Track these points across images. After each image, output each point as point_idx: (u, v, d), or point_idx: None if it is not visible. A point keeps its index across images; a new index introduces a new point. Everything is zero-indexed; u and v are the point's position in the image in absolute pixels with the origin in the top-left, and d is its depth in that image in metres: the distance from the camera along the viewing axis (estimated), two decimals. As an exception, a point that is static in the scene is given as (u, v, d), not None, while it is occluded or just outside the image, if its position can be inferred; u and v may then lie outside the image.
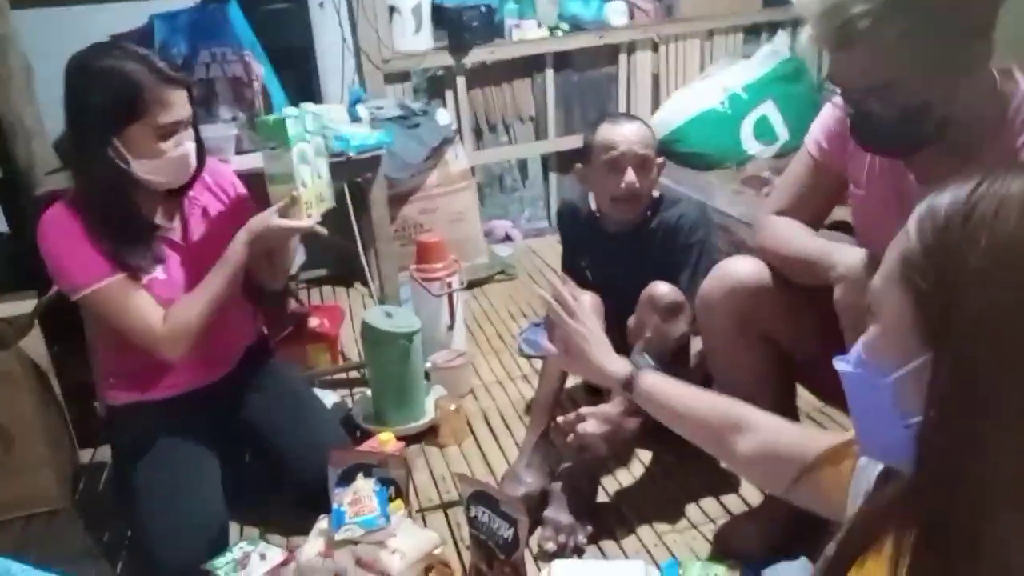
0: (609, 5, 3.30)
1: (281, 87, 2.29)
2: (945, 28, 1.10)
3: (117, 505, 1.75)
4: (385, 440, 1.77)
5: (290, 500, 1.77)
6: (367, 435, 1.90)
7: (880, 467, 0.79)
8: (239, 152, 2.11)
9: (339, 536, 1.40)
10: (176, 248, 1.63)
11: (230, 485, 1.68)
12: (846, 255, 1.32)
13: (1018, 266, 0.59)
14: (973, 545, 0.61)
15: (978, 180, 0.63)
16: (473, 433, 2.11)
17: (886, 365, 0.67)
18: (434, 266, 2.35)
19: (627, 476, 1.88)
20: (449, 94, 3.24)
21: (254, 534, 1.74)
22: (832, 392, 1.17)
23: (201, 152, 1.61)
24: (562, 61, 3.35)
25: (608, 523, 1.72)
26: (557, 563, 1.49)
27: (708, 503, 1.76)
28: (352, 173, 2.21)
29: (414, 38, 3.08)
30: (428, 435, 2.08)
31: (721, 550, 1.60)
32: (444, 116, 2.99)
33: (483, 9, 3.10)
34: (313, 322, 2.47)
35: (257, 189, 1.69)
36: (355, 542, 1.41)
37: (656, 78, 3.46)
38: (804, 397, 1.68)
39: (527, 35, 3.23)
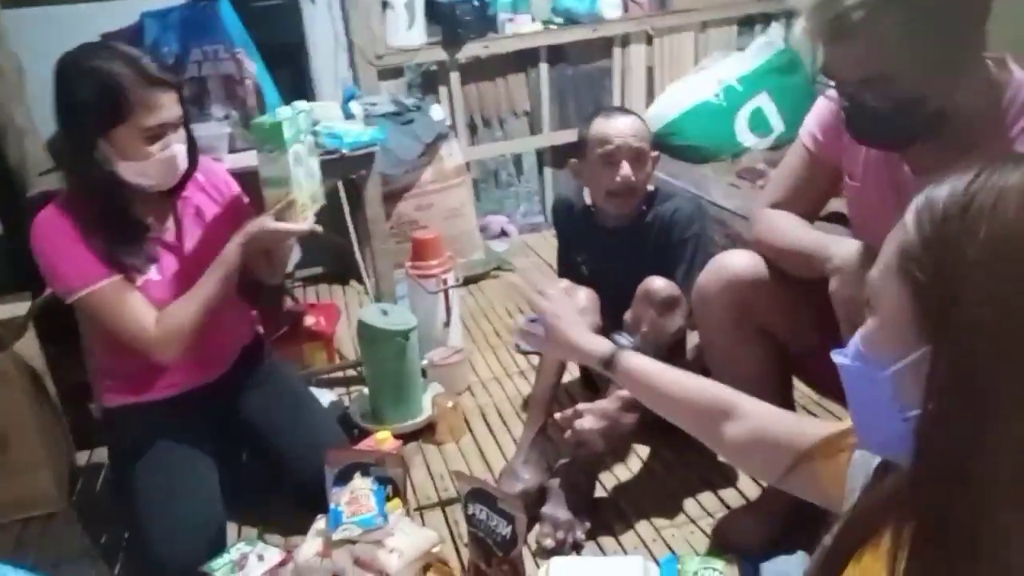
0: (603, -2, 3.28)
1: (274, 84, 2.28)
2: (939, 19, 1.09)
3: (115, 506, 1.75)
4: (382, 438, 1.76)
5: (288, 500, 1.76)
6: (364, 434, 1.90)
7: (878, 459, 0.79)
8: (232, 151, 2.10)
9: (337, 536, 1.40)
10: (170, 249, 1.62)
11: (228, 485, 1.67)
12: (842, 247, 1.31)
13: (1017, 258, 0.59)
14: (972, 542, 0.61)
15: (976, 171, 0.63)
16: (471, 430, 2.10)
17: (884, 358, 0.66)
18: (430, 263, 2.34)
19: (625, 471, 1.88)
20: (443, 89, 3.23)
21: (252, 534, 1.74)
22: (829, 384, 1.17)
23: (193, 152, 1.60)
24: (556, 55, 3.34)
25: (606, 519, 1.72)
26: (555, 560, 1.49)
27: (706, 498, 1.76)
28: (346, 170, 2.21)
29: (407, 33, 3.07)
30: (425, 433, 2.08)
31: (719, 544, 1.60)
32: (438, 112, 2.98)
33: (476, 3, 3.09)
34: (309, 320, 2.46)
35: (251, 187, 1.68)
36: (353, 542, 1.40)
37: (650, 71, 3.46)
38: (801, 389, 1.68)
39: (521, 29, 3.22)
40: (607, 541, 1.66)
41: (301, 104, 1.66)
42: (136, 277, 1.55)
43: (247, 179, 1.73)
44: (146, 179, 1.51)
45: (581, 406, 1.59)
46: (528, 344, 1.35)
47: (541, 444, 1.79)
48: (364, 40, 3.01)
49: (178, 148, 1.52)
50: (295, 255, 2.87)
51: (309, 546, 1.44)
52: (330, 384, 2.36)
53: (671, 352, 1.71)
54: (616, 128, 1.83)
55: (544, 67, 3.33)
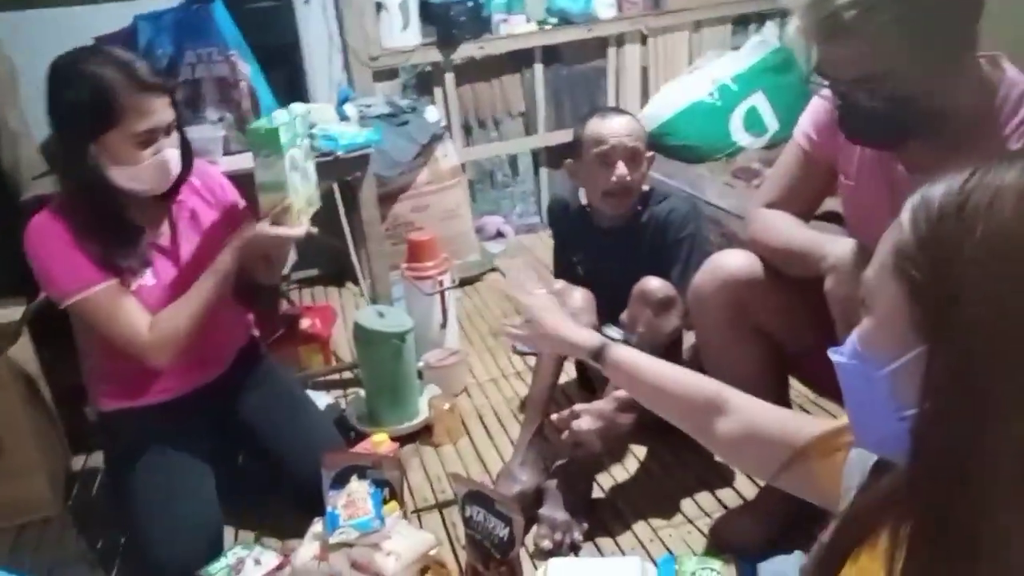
0: (597, -2, 3.28)
1: (268, 86, 2.27)
2: (931, 18, 1.09)
3: (111, 511, 1.74)
4: (379, 441, 1.76)
5: (285, 502, 1.76)
6: (361, 436, 1.89)
7: (874, 458, 0.79)
8: (227, 153, 2.09)
9: (333, 539, 1.40)
10: (165, 253, 1.61)
11: (224, 488, 1.67)
12: (837, 246, 1.32)
13: (1014, 256, 0.59)
14: (972, 542, 0.61)
15: (971, 170, 0.62)
16: (468, 432, 2.10)
17: (881, 357, 0.66)
18: (425, 264, 2.34)
19: (622, 472, 1.88)
20: (438, 90, 3.22)
21: (249, 538, 1.73)
22: (825, 383, 1.17)
23: (188, 156, 1.59)
24: (551, 55, 3.34)
25: (604, 519, 1.72)
26: (553, 561, 1.49)
27: (703, 498, 1.76)
28: (341, 172, 2.20)
29: (402, 34, 3.06)
30: (422, 435, 2.07)
31: (717, 544, 1.60)
32: (433, 113, 2.98)
33: (470, 4, 3.08)
34: (305, 323, 2.45)
35: (247, 189, 1.67)
36: (350, 545, 1.40)
37: (645, 71, 3.46)
38: (797, 389, 1.68)
39: (515, 30, 3.21)
40: (605, 542, 1.66)
41: (298, 107, 1.65)
42: (130, 281, 1.54)
43: (242, 181, 1.72)
44: (138, 184, 1.50)
45: (578, 407, 1.59)
46: (519, 343, 1.35)
47: (538, 445, 1.79)
48: (358, 41, 3.01)
49: (170, 153, 1.51)
50: (291, 257, 2.87)
51: (306, 549, 1.44)
52: (326, 387, 2.36)
53: (667, 352, 1.70)
54: (611, 128, 1.83)
55: (539, 67, 3.33)
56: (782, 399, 1.58)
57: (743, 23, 3.52)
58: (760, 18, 3.49)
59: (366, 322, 2.03)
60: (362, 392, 2.17)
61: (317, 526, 1.47)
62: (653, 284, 1.70)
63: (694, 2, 3.38)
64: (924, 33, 1.10)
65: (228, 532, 1.73)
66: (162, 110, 1.48)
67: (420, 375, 2.18)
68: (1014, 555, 0.60)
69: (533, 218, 3.56)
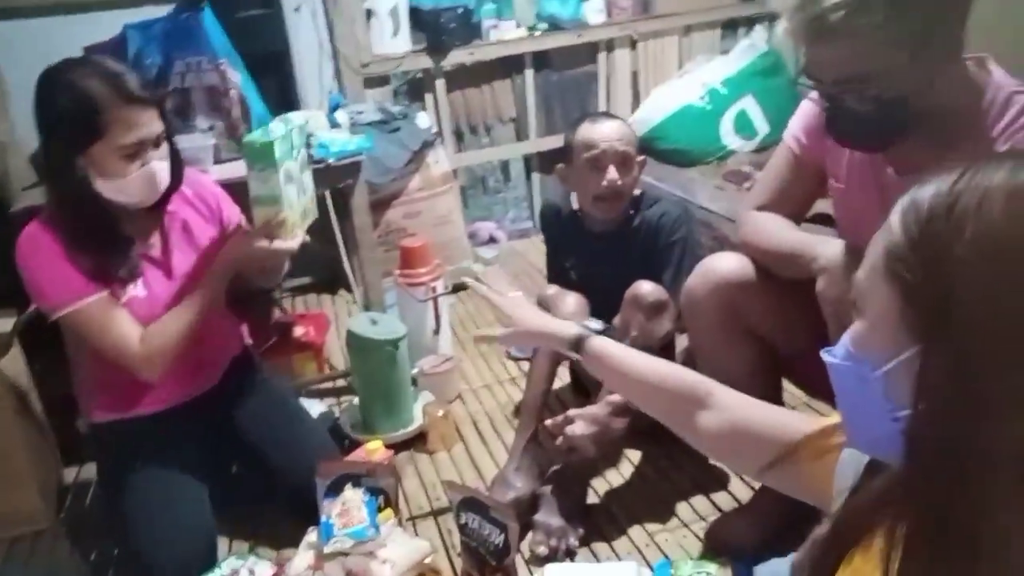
0: (586, 3, 3.29)
1: (259, 94, 2.27)
2: (917, 21, 1.10)
3: (104, 522, 1.73)
4: (373, 449, 1.75)
5: (279, 512, 1.75)
6: (355, 444, 1.89)
7: (866, 459, 0.79)
8: (217, 161, 2.09)
9: (328, 548, 1.39)
10: (156, 264, 1.60)
11: (218, 498, 1.66)
12: (827, 247, 1.32)
13: (1005, 256, 0.59)
14: (972, 542, 0.61)
15: (959, 172, 0.63)
16: (462, 438, 2.10)
17: (874, 358, 0.66)
18: (418, 271, 2.33)
19: (617, 477, 1.88)
20: (429, 97, 3.23)
21: (243, 548, 1.73)
22: (818, 385, 1.18)
23: (178, 167, 1.58)
24: (541, 61, 3.35)
25: (599, 525, 1.71)
26: (549, 567, 1.49)
27: (698, 501, 1.76)
28: (333, 180, 2.20)
29: (392, 41, 3.07)
30: (417, 442, 2.07)
31: (712, 547, 1.60)
32: (424, 119, 2.98)
33: (460, 10, 3.09)
34: (298, 331, 2.45)
35: (241, 197, 1.65)
36: (345, 553, 1.39)
37: (635, 75, 3.47)
38: (790, 391, 1.68)
39: (505, 35, 3.22)
40: (600, 547, 1.66)
41: (296, 117, 1.63)
42: (121, 293, 1.53)
43: (235, 189, 1.71)
44: (125, 196, 1.49)
45: (572, 412, 1.59)
46: (500, 344, 1.35)
47: (533, 451, 1.79)
48: (349, 49, 3.01)
49: (158, 165, 1.49)
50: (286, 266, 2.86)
51: (301, 559, 1.43)
52: (320, 395, 2.35)
53: (660, 356, 1.71)
54: (602, 133, 1.83)
55: (529, 73, 3.33)
56: (775, 401, 1.58)
57: (732, 27, 3.53)
58: (749, 22, 3.51)
59: (359, 329, 2.03)
60: (356, 400, 2.16)
61: (312, 535, 1.46)
62: (645, 288, 1.71)
63: (683, 7, 3.39)
64: (910, 36, 1.10)
65: (222, 542, 1.72)
66: (150, 123, 1.46)
67: (414, 382, 2.18)
68: (1014, 555, 0.60)
69: (525, 223, 3.56)
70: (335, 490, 1.49)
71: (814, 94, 1.26)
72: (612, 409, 1.61)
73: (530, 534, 1.65)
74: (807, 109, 1.43)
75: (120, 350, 1.51)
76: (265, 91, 2.33)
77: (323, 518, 1.44)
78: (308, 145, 1.89)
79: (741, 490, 1.76)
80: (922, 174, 0.66)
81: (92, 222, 1.49)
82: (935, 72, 1.15)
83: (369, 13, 3.03)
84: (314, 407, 2.11)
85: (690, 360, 1.66)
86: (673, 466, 1.86)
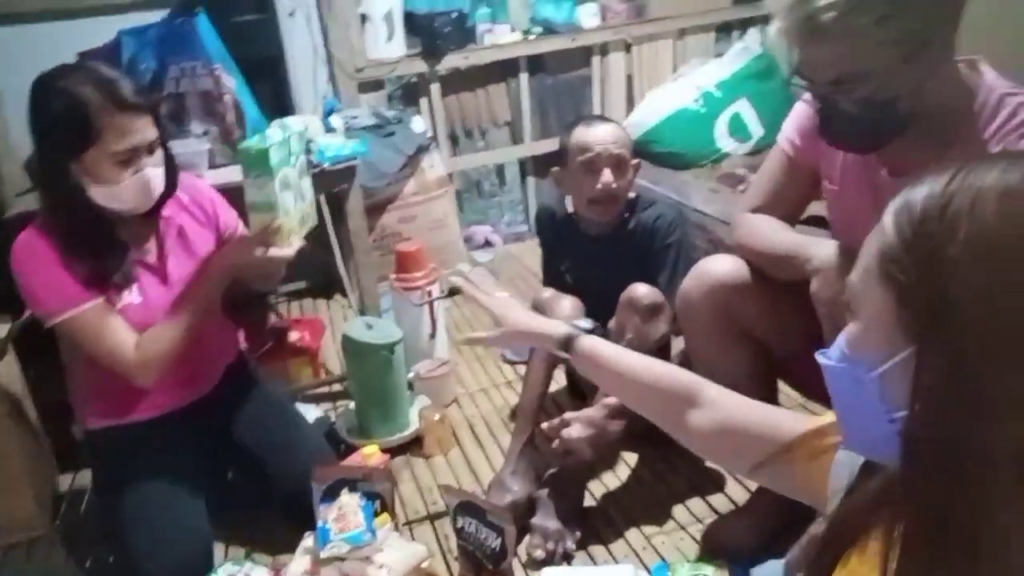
0: (580, 7, 3.30)
1: (254, 99, 2.27)
2: (909, 22, 1.10)
3: (99, 529, 1.73)
4: (369, 453, 1.76)
5: (276, 517, 1.74)
6: (351, 449, 1.89)
7: (861, 459, 0.79)
8: (212, 166, 2.09)
9: (325, 554, 1.39)
10: (151, 271, 1.59)
11: (214, 504, 1.66)
12: (822, 248, 1.33)
13: (998, 256, 0.59)
14: (971, 542, 0.61)
15: (951, 173, 0.63)
16: (458, 442, 2.10)
17: (870, 360, 0.66)
18: (414, 275, 2.33)
19: (613, 479, 1.88)
20: (424, 101, 3.23)
21: (239, 554, 1.72)
22: (813, 387, 1.17)
23: (173, 172, 1.57)
24: (536, 65, 3.35)
25: (596, 528, 1.71)
26: (546, 571, 1.49)
27: (695, 503, 1.76)
28: (328, 184, 2.20)
29: (386, 46, 3.07)
30: (413, 446, 2.06)
31: (709, 550, 1.60)
32: (419, 123, 2.98)
33: (455, 15, 3.10)
34: (293, 336, 2.45)
35: (237, 202, 1.64)
36: (341, 559, 1.39)
37: (629, 79, 3.48)
38: (785, 392, 1.68)
39: (500, 39, 3.23)
40: (597, 550, 1.66)
41: (295, 123, 1.62)
42: (116, 300, 1.53)
43: (232, 195, 1.70)
44: (119, 203, 1.48)
45: (568, 415, 1.59)
46: (488, 345, 1.35)
47: (529, 454, 1.79)
48: (343, 53, 3.01)
49: (152, 172, 1.49)
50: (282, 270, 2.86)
51: (297, 564, 1.43)
52: (316, 400, 2.34)
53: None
54: (596, 136, 1.84)
55: (524, 77, 3.34)
56: (771, 403, 1.57)
57: (726, 30, 3.55)
58: (743, 25, 3.52)
59: (355, 334, 2.03)
60: (352, 404, 2.16)
61: (308, 540, 1.46)
62: (641, 291, 1.71)
63: (677, 10, 3.40)
64: (902, 37, 1.11)
65: (218, 548, 1.72)
66: (143, 129, 1.46)
67: (410, 386, 2.18)
68: (1014, 555, 0.60)
69: (521, 227, 3.56)
70: (331, 495, 1.49)
71: (808, 96, 1.26)
72: (608, 412, 1.62)
73: (527, 537, 1.64)
74: (801, 111, 1.43)
75: (115, 357, 1.51)
76: (260, 96, 2.33)
77: (319, 523, 1.43)
78: (308, 151, 1.88)
79: (738, 492, 1.76)
80: (915, 175, 0.66)
81: (86, 228, 1.49)
82: (927, 74, 1.15)
83: (363, 18, 3.04)
84: (310, 412, 2.11)
85: (686, 362, 1.65)
86: (670, 469, 1.87)
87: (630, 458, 1.93)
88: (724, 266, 1.51)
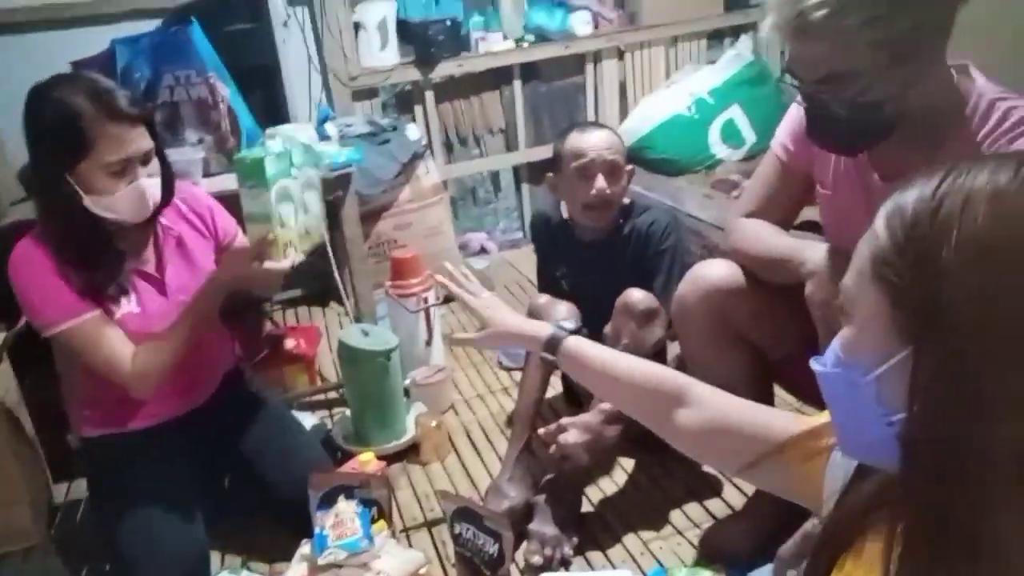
0: (573, 15, 3.32)
1: (248, 108, 2.27)
2: (900, 23, 1.11)
3: (95, 537, 1.72)
4: (366, 460, 1.75)
5: (272, 525, 1.74)
6: (348, 456, 1.88)
7: (856, 462, 0.79)
8: (207, 175, 2.09)
9: (322, 560, 1.39)
10: (150, 281, 1.59)
11: (211, 512, 1.65)
12: (815, 251, 1.33)
13: (991, 257, 0.59)
14: (972, 542, 0.61)
15: (941, 176, 0.63)
16: (455, 449, 2.09)
17: (866, 363, 0.66)
18: (410, 282, 2.34)
19: (610, 485, 1.88)
20: (418, 109, 3.23)
21: (236, 562, 1.71)
22: (808, 391, 1.18)
23: (170, 182, 1.57)
24: (529, 72, 3.36)
25: (593, 533, 1.71)
26: (544, 576, 1.49)
27: (692, 508, 1.76)
28: (323, 192, 2.19)
29: (380, 54, 3.08)
30: (410, 453, 2.06)
31: (707, 554, 1.61)
32: (414, 131, 2.98)
33: (448, 23, 3.11)
34: (289, 343, 2.44)
35: (235, 209, 1.63)
36: (339, 565, 1.39)
37: (623, 86, 3.49)
38: (781, 396, 1.69)
39: (493, 47, 3.23)
40: (595, 556, 1.66)
41: (286, 131, 1.62)
42: (115, 309, 1.52)
43: (228, 201, 1.70)
44: (114, 213, 1.47)
45: (564, 420, 1.60)
46: (475, 346, 1.34)
47: (526, 460, 1.79)
48: (337, 62, 3.02)
49: (147, 182, 1.48)
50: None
51: (294, 572, 1.43)
52: (312, 407, 2.34)
53: (652, 364, 1.72)
54: (590, 142, 1.84)
55: (518, 84, 3.35)
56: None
57: (718, 37, 3.56)
58: (734, 32, 3.54)
59: (351, 340, 2.03)
60: (348, 412, 2.15)
61: (305, 548, 1.46)
62: (636, 296, 1.71)
63: (669, 18, 3.42)
64: (891, 39, 1.11)
65: (215, 556, 1.71)
66: (137, 140, 1.45)
67: (406, 393, 2.18)
68: (1014, 555, 0.60)
69: (516, 234, 3.57)
70: (328, 502, 1.49)
71: (800, 99, 1.27)
72: (605, 417, 1.62)
73: (524, 543, 1.64)
74: (794, 116, 1.44)
75: (112, 368, 1.50)
76: (254, 104, 2.33)
77: (317, 530, 1.43)
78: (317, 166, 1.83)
79: (735, 497, 1.76)
80: (906, 179, 0.66)
81: (83, 237, 1.48)
82: (915, 78, 1.16)
83: (357, 26, 3.04)
84: (306, 419, 2.10)
85: (682, 367, 1.66)
86: (666, 474, 1.87)
87: (627, 463, 1.93)
88: (719, 270, 1.52)
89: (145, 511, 1.55)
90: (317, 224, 1.68)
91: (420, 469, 2.02)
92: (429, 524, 1.81)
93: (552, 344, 1.15)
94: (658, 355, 1.77)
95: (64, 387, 1.71)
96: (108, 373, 1.51)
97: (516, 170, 3.52)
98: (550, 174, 1.96)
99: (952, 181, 0.62)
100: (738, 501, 1.74)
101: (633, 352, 1.65)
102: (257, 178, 1.48)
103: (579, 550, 1.66)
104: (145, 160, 1.48)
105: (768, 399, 1.62)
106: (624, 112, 3.47)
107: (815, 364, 0.72)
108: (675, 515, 1.75)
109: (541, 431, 1.60)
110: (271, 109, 2.56)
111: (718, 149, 3.25)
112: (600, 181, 1.83)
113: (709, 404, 0.99)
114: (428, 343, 2.37)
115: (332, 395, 2.40)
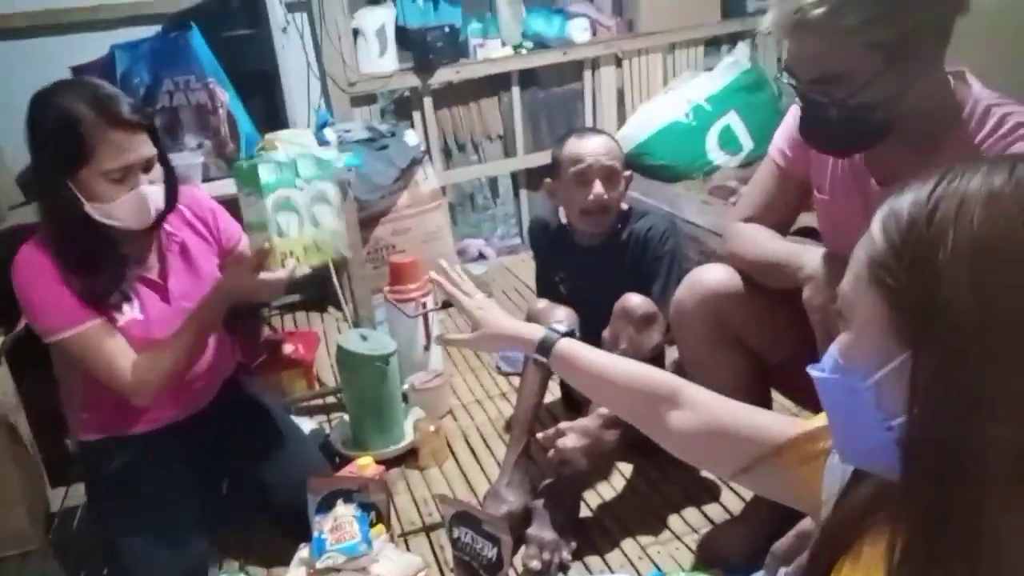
0: (572, 22, 3.33)
1: (247, 113, 2.28)
2: (898, 24, 1.12)
3: (93, 541, 1.71)
4: (364, 464, 1.75)
5: (271, 529, 1.74)
6: (346, 460, 1.88)
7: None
8: (206, 179, 2.10)
9: (320, 564, 1.39)
10: (153, 287, 1.58)
11: (209, 516, 1.65)
12: (813, 256, 1.34)
13: (987, 258, 0.59)
14: (971, 544, 0.61)
15: (936, 179, 0.64)
16: (453, 454, 2.10)
17: (865, 368, 0.66)
18: (408, 287, 2.34)
19: (609, 490, 1.88)
20: (416, 115, 3.24)
21: (234, 567, 1.71)
22: (806, 395, 1.18)
23: (173, 188, 1.56)
24: (528, 79, 3.38)
25: (592, 538, 1.71)
26: (542, 580, 1.49)
27: (690, 513, 1.77)
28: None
29: (379, 60, 3.09)
30: (408, 458, 2.06)
31: (705, 559, 1.61)
32: (412, 137, 2.99)
33: (447, 29, 3.12)
34: (288, 348, 2.44)
35: (239, 214, 1.62)
36: (337, 570, 1.39)
37: (621, 93, 3.50)
38: (779, 401, 1.69)
39: (492, 54, 3.25)
40: (593, 560, 1.66)
41: (284, 136, 1.60)
42: (118, 316, 1.52)
43: (228, 206, 1.70)
44: (115, 220, 1.47)
45: (563, 425, 1.60)
46: (468, 346, 1.34)
47: (524, 465, 1.79)
48: (336, 68, 3.03)
49: (148, 189, 1.47)
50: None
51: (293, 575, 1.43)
52: (310, 412, 2.34)
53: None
54: (588, 148, 1.85)
55: (516, 91, 3.36)
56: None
57: (715, 44, 3.58)
58: (731, 39, 3.55)
59: (349, 345, 2.03)
60: (346, 416, 2.15)
61: (303, 551, 1.46)
62: (634, 301, 1.72)
63: (667, 25, 3.43)
64: (887, 41, 1.12)
65: (213, 560, 1.70)
66: (139, 147, 1.45)
67: (405, 398, 2.18)
68: (1014, 556, 0.61)
69: (514, 240, 3.57)
70: (327, 506, 1.49)
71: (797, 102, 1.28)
72: (603, 422, 1.62)
73: (523, 548, 1.64)
74: (791, 122, 1.45)
75: (113, 376, 1.50)
76: (253, 110, 2.34)
77: (315, 534, 1.43)
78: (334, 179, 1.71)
79: (733, 502, 1.77)
80: (902, 183, 0.67)
81: (84, 244, 1.48)
82: (910, 82, 1.16)
83: (356, 33, 3.05)
84: (304, 424, 2.10)
85: (680, 372, 1.67)
86: (664, 478, 1.87)
87: (625, 468, 1.94)
88: (717, 275, 1.52)
89: (144, 515, 1.55)
90: (331, 240, 1.62)
91: (418, 474, 2.02)
92: (427, 529, 1.81)
93: (544, 346, 1.14)
94: (656, 360, 1.77)
95: (62, 391, 1.71)
96: (108, 381, 1.51)
97: (514, 176, 3.53)
98: (548, 180, 1.97)
99: (947, 184, 0.63)
100: (736, 506, 1.74)
101: (631, 357, 1.66)
102: (253, 185, 1.48)
103: (577, 555, 1.66)
104: (147, 167, 1.47)
105: (766, 404, 1.62)
106: (622, 119, 3.48)
107: (813, 370, 0.72)
108: (673, 520, 1.75)
109: (540, 436, 1.60)
110: (270, 114, 2.57)
111: (715, 156, 3.26)
112: (598, 187, 1.83)
113: (704, 406, 0.99)
114: (427, 348, 2.37)
115: (330, 400, 2.40)
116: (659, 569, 1.60)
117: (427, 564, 1.59)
